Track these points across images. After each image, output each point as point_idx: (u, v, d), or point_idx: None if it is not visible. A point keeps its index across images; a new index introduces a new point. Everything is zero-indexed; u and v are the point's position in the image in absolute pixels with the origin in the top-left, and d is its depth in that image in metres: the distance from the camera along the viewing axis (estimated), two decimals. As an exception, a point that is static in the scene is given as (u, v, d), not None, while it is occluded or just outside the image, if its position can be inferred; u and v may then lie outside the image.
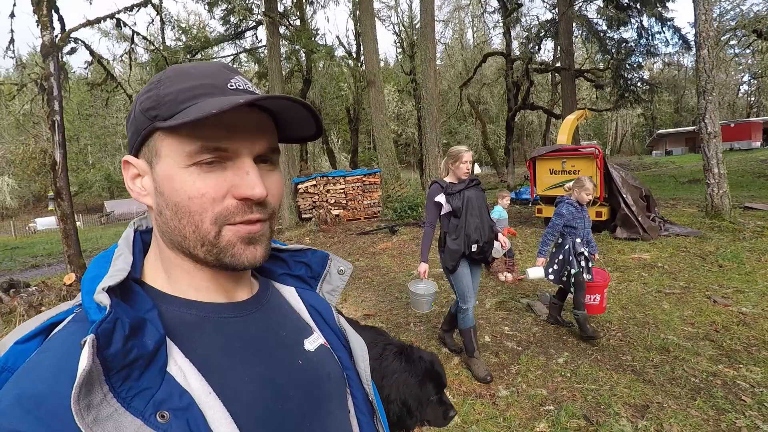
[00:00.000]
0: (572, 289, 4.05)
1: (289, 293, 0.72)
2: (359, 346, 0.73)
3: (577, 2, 17.19)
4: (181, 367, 0.49)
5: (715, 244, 7.09)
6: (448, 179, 3.54)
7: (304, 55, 19.43)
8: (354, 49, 26.35)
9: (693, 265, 6.25)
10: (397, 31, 29.02)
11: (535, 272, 4.00)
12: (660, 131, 33.92)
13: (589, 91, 27.72)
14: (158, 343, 0.48)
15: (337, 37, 46.67)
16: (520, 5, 20.38)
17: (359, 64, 23.84)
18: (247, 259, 0.56)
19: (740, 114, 38.82)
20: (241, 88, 0.56)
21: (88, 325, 0.46)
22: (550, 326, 4.50)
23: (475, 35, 32.39)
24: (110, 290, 0.48)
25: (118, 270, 0.52)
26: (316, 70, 21.32)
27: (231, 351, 0.55)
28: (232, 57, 18.12)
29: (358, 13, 20.57)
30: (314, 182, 13.22)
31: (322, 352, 0.66)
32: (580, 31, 18.35)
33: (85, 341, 0.41)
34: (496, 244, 5.21)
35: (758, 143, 27.75)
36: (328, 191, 13.27)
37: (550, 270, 4.17)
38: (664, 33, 16.48)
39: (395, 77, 33.88)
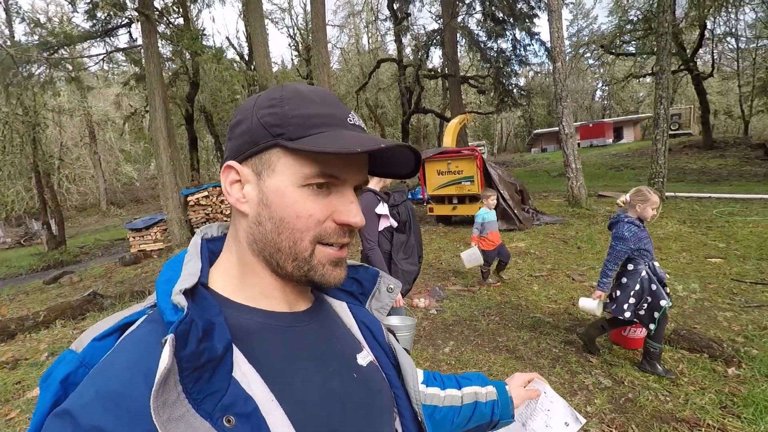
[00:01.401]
0: (654, 325, 3.20)
1: (341, 308, 0.73)
2: (409, 365, 0.74)
3: (459, 15, 18.55)
4: (245, 373, 0.50)
5: (575, 229, 8.21)
6: (375, 186, 3.03)
7: (189, 56, 18.23)
8: (246, 51, 25.44)
9: (558, 248, 7.17)
10: (291, 34, 28.65)
11: (589, 304, 3.41)
12: (536, 131, 37.84)
13: (476, 96, 29.97)
14: (226, 348, 0.49)
15: (227, 38, 44.62)
16: (409, 15, 21.36)
17: (252, 68, 23.07)
18: (334, 279, 0.60)
19: (596, 115, 44.95)
20: (358, 124, 0.60)
21: (161, 325, 0.48)
22: (438, 319, 4.87)
23: (369, 41, 33.16)
24: (184, 293, 0.50)
25: (189, 274, 0.54)
26: (205, 73, 20.08)
27: (292, 359, 0.56)
28: (102, 56, 16.24)
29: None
30: (206, 193, 12.36)
31: (373, 369, 0.67)
32: (464, 41, 19.82)
33: (165, 340, 0.43)
34: (473, 251, 5.22)
35: (611, 140, 32.32)
36: (222, 202, 12.44)
37: (625, 306, 3.28)
38: (533, 45, 18.54)
39: (292, 80, 33.27)
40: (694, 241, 7.14)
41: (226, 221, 0.70)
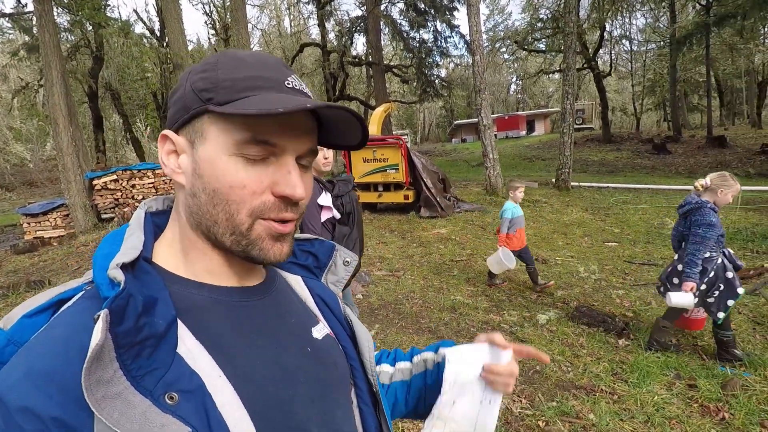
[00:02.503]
0: (723, 314, 3.13)
1: (296, 282, 0.72)
2: (365, 338, 0.72)
3: (382, 3, 18.59)
4: (190, 349, 0.48)
5: (492, 216, 8.70)
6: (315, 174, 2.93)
7: (91, 28, 16.47)
8: (158, 26, 23.45)
9: (476, 234, 7.56)
10: (207, 11, 26.88)
11: (682, 299, 3.11)
12: (457, 122, 39.29)
13: (399, 85, 30.37)
14: (169, 324, 0.47)
15: (135, 11, 40.85)
16: (332, -1, 21.04)
17: (164, 45, 21.37)
18: (274, 255, 0.56)
19: (511, 108, 47.74)
20: (297, 87, 0.56)
21: (99, 301, 0.45)
22: (364, 303, 4.92)
23: (292, 24, 32.14)
24: (123, 267, 0.47)
25: (130, 248, 0.51)
26: (110, 47, 18.22)
27: (241, 334, 0.54)
28: (-17, 23, 14.17)
29: (156, -14, 18.37)
30: (114, 177, 11.39)
31: (328, 342, 0.66)
32: (388, 30, 19.95)
33: (98, 315, 0.40)
34: (502, 253, 4.62)
35: (524, 132, 34.59)
36: (133, 186, 11.59)
37: (697, 292, 3.15)
38: (454, 38, 19.13)
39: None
40: (595, 227, 7.90)
41: (137, 207, 0.65)
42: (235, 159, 0.52)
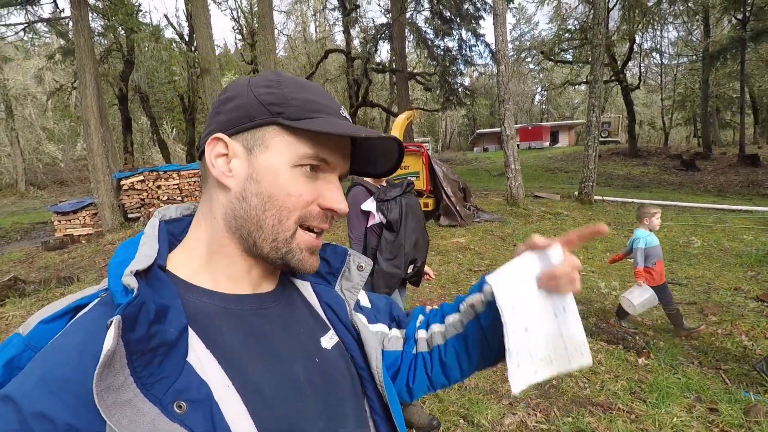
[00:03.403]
0: None
1: (305, 288, 0.72)
2: (372, 345, 0.70)
3: (408, 10, 18.71)
4: (200, 358, 0.49)
5: (512, 227, 8.62)
6: (371, 180, 2.74)
7: (124, 32, 17.03)
8: (186, 31, 24.12)
9: (496, 245, 7.49)
10: (235, 17, 27.52)
11: None
12: (479, 131, 39.09)
13: (422, 92, 30.43)
14: (180, 332, 0.48)
15: (165, 16, 42.21)
16: (358, 6, 21.24)
17: (192, 49, 21.95)
18: (310, 266, 0.61)
19: (535, 119, 47.21)
20: (347, 117, 0.63)
21: (114, 308, 0.45)
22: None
23: (317, 30, 32.58)
24: (137, 275, 0.48)
25: (144, 255, 0.52)
26: (141, 51, 18.82)
27: (251, 344, 0.55)
28: (24, 26, 14.78)
29: (188, -9, 18.94)
30: (141, 177, 11.73)
31: (338, 351, 0.66)
32: (412, 37, 20.04)
33: (111, 322, 0.41)
34: (638, 292, 3.82)
35: (547, 143, 34.15)
36: (159, 187, 11.89)
37: None
38: (479, 47, 19.11)
39: (236, 65, 32.11)
40: (618, 242, 7.73)
41: (162, 205, 0.68)
42: (295, 170, 0.57)
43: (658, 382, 3.13)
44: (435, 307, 0.87)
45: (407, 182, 2.82)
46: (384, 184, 2.77)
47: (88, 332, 0.45)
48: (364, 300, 0.82)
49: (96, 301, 0.51)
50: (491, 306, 0.71)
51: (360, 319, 0.73)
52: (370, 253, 2.74)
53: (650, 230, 4.11)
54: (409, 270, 2.76)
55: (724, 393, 3.02)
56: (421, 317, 0.87)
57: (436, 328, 0.81)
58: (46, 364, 0.43)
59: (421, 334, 0.82)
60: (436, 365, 0.79)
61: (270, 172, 0.56)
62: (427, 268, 3.02)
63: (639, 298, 3.81)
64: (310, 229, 0.60)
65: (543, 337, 0.65)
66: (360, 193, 2.70)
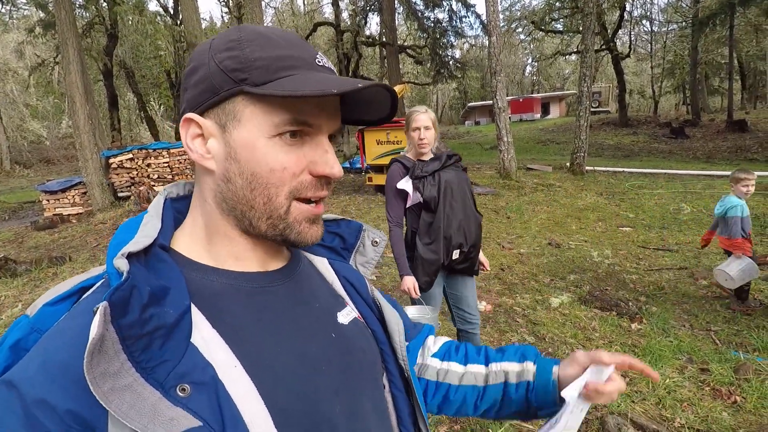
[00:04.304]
0: None
1: (322, 264, 0.69)
2: (394, 321, 0.69)
3: (396, -20, 18.22)
4: (205, 338, 0.47)
5: (506, 200, 8.68)
6: (411, 155, 2.55)
7: (106, 4, 16.44)
8: (171, 4, 23.35)
9: (490, 218, 7.55)
10: (219, -12, 26.64)
11: None
12: (470, 104, 38.74)
13: (413, 66, 29.93)
14: (182, 313, 0.46)
15: (147, -12, 40.55)
16: (346, -23, 20.65)
17: (178, 23, 21.30)
18: (311, 237, 0.57)
19: (526, 90, 46.86)
20: (327, 65, 0.55)
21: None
22: (377, 285, 5.00)
23: (305, 2, 31.69)
24: (133, 256, 0.46)
25: (143, 236, 0.50)
26: (124, 25, 18.19)
27: (261, 322, 0.52)
28: None
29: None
30: (130, 155, 11.58)
31: (356, 326, 0.64)
32: (402, 9, 19.59)
33: (97, 308, 0.39)
34: (736, 264, 3.57)
35: (539, 115, 34.03)
36: (149, 165, 11.78)
37: None
38: (469, 18, 18.76)
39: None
40: (609, 211, 7.85)
41: (153, 186, 0.65)
42: (273, 141, 0.51)
43: (651, 346, 3.24)
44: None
45: (448, 154, 2.51)
46: (426, 157, 2.48)
47: (88, 316, 0.42)
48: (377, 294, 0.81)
49: (101, 282, 0.50)
50: (529, 387, 0.73)
51: (379, 296, 0.73)
52: (409, 236, 2.53)
53: (742, 198, 3.77)
54: (455, 256, 2.43)
55: (715, 353, 3.14)
56: (431, 339, 0.86)
57: (454, 367, 0.80)
58: (48, 350, 0.42)
59: (435, 362, 0.81)
60: (438, 397, 0.78)
61: (247, 149, 0.51)
62: (482, 257, 2.68)
63: (737, 269, 3.58)
64: (307, 200, 0.55)
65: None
66: (397, 170, 2.47)
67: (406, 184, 2.41)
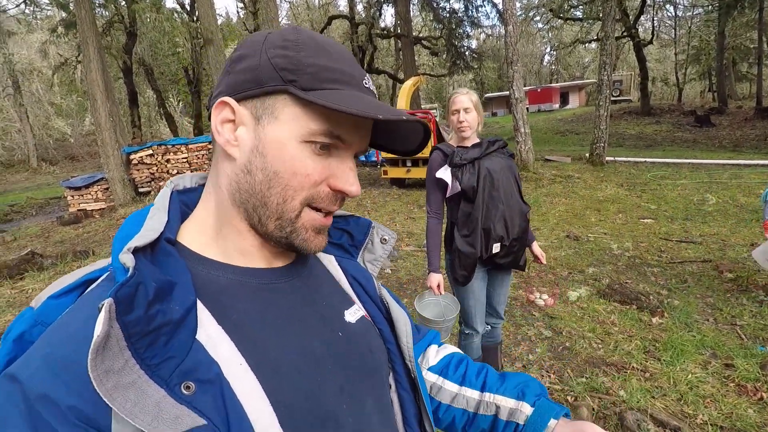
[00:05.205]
0: None
1: (329, 262, 0.69)
2: (402, 321, 0.69)
3: (411, -30, 18.04)
4: (211, 335, 0.46)
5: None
6: (453, 141, 2.41)
7: (125, 3, 16.73)
8: (188, 1, 23.63)
9: (506, 211, 7.47)
10: (234, -16, 26.75)
11: None
12: (487, 95, 38.21)
13: (428, 57, 29.67)
14: (188, 309, 0.45)
15: (164, -15, 41.02)
16: (360, -31, 20.54)
17: (194, 19, 21.52)
18: (314, 246, 0.57)
19: (545, 80, 45.97)
20: (371, 88, 0.57)
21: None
22: (393, 278, 4.99)
23: (319, -5, 31.67)
24: (139, 251, 0.45)
25: (149, 229, 0.49)
26: (142, 23, 18.51)
27: (267, 319, 0.52)
28: None
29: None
30: (150, 151, 11.83)
31: (363, 325, 0.63)
32: (417, 0, 19.42)
33: (102, 305, 0.39)
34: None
35: (557, 105, 33.38)
36: (168, 161, 12.01)
37: None
38: (485, 7, 18.46)
39: (239, 34, 31.50)
40: (630, 203, 7.65)
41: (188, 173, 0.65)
42: (304, 146, 0.52)
43: (673, 340, 3.15)
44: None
45: (489, 141, 2.33)
46: (469, 143, 2.32)
47: (92, 310, 0.42)
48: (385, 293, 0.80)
49: (105, 275, 0.50)
50: (515, 429, 0.71)
51: (387, 295, 0.73)
52: (448, 227, 2.41)
53: None
54: (495, 249, 2.26)
55: (740, 348, 3.03)
56: (434, 348, 0.85)
57: (448, 385, 0.79)
58: (51, 344, 0.42)
59: (431, 377, 0.80)
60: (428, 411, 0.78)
61: (276, 147, 0.51)
62: (536, 249, 2.59)
63: (762, 251, 3.47)
64: (318, 210, 0.55)
65: None
66: (436, 158, 2.32)
67: (444, 172, 2.27)
